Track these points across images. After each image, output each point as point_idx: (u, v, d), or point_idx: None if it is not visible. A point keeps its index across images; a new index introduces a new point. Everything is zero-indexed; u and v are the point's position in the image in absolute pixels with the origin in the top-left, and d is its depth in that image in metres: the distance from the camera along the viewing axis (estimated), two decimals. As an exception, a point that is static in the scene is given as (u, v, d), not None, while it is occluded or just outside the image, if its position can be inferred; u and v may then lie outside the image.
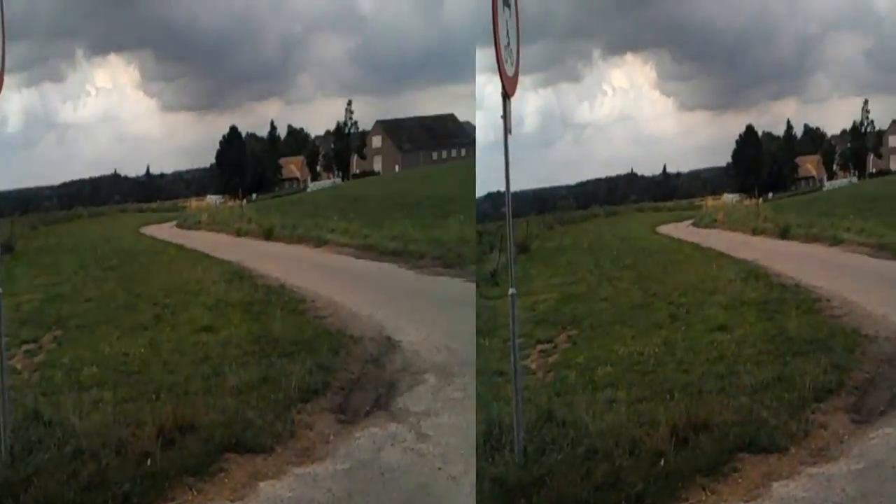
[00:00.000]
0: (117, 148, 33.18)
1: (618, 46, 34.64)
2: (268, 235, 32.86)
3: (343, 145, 35.62)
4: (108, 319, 23.37)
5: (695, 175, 35.95)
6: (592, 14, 33.66)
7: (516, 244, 30.43)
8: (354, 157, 35.85)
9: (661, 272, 29.16)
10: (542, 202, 34.33)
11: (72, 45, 32.25)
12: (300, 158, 36.02)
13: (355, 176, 35.84)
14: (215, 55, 33.06)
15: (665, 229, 35.34)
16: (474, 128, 35.39)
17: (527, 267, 29.74)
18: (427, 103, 34.74)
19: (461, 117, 35.54)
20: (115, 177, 33.23)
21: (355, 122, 34.99)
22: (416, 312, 23.60)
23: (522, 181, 30.42)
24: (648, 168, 35.39)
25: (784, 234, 33.79)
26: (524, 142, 31.05)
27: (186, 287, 26.16)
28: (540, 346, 22.82)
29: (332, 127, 35.23)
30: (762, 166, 35.01)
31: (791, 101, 34.83)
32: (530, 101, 33.40)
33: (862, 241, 31.83)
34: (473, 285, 25.10)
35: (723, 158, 34.62)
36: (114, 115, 33.18)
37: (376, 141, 35.86)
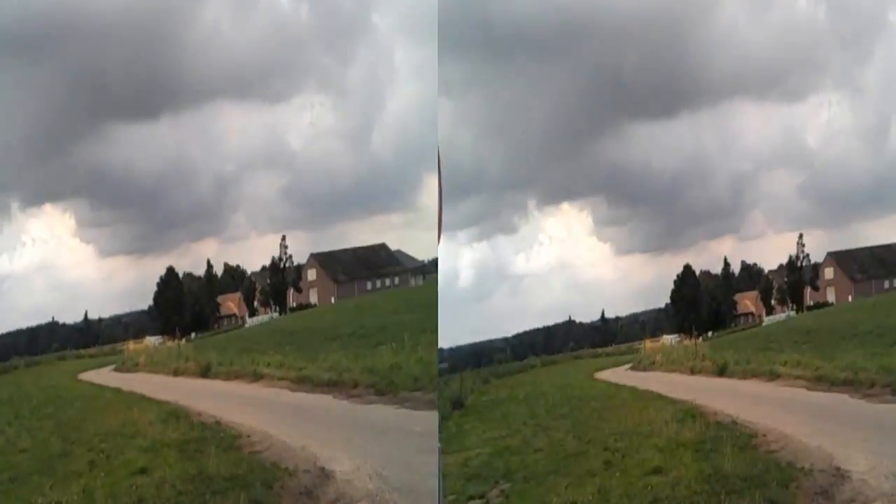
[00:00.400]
0: (54, 296, 33.46)
1: (553, 196, 35.46)
2: (205, 373, 33.05)
3: (279, 280, 36.04)
4: (42, 469, 23.25)
5: (633, 318, 36.53)
6: (526, 166, 34.38)
7: (450, 400, 30.95)
8: (291, 291, 36.23)
9: (598, 419, 29.28)
10: (478, 356, 34.49)
11: (6, 198, 32.67)
12: (237, 295, 36.39)
13: (292, 309, 36.20)
14: (151, 199, 33.57)
15: (603, 375, 35.59)
16: (406, 256, 36.10)
17: (461, 422, 30.01)
18: (359, 234, 35.31)
19: (392, 246, 36.08)
20: (53, 325, 33.43)
21: (290, 257, 35.49)
22: (349, 441, 23.75)
23: (458, 336, 30.89)
24: (587, 314, 35.96)
25: (722, 371, 34.26)
26: (459, 296, 31.57)
27: (122, 430, 26.15)
28: (472, 503, 22.92)
29: (267, 262, 35.64)
30: (701, 305, 35.65)
31: (728, 239, 35.74)
32: (465, 256, 34.11)
33: (798, 374, 32.39)
34: (404, 411, 25.38)
35: (661, 300, 35.26)
36: (50, 263, 33.53)
37: (311, 274, 36.28)
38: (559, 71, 34.00)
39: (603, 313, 36.03)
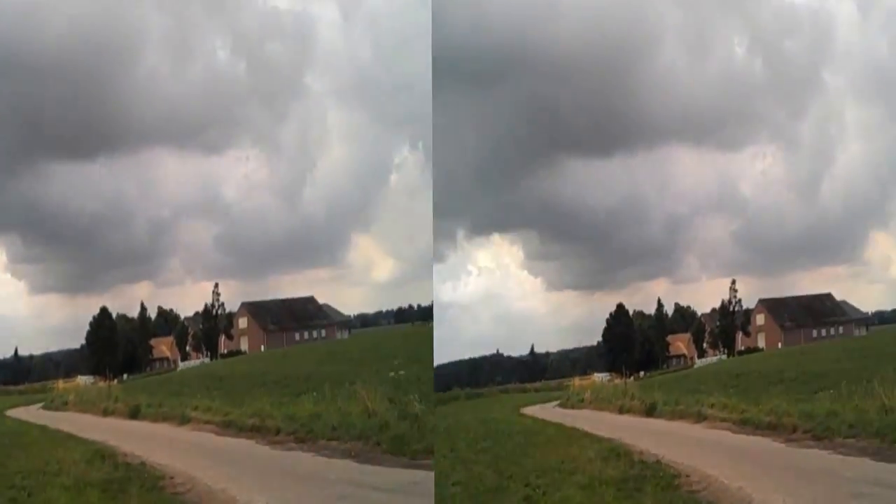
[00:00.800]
0: (-19, 331, 33.38)
1: (483, 227, 35.46)
2: (134, 414, 33.32)
3: (211, 326, 36.21)
4: (-45, 506, 23.37)
5: (564, 355, 36.38)
6: (456, 195, 34.41)
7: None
8: (222, 338, 36.41)
9: (520, 454, 29.25)
10: (398, 385, 34.39)
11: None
12: (170, 339, 36.54)
13: (223, 355, 36.37)
14: (85, 238, 33.68)
15: (530, 410, 35.61)
16: (333, 310, 36.40)
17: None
18: (289, 286, 35.57)
19: (320, 300, 36.36)
20: (-21, 361, 33.43)
21: (222, 304, 35.66)
22: (268, 485, 24.08)
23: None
24: (516, 348, 35.77)
25: (650, 411, 34.61)
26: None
27: (46, 468, 26.31)
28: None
29: (200, 308, 35.79)
30: (633, 345, 35.78)
31: (662, 281, 35.86)
32: (389, 283, 34.18)
33: (724, 417, 33.05)
34: (322, 458, 25.75)
35: (593, 338, 35.26)
36: (-22, 298, 33.49)
37: (242, 322, 36.53)
38: (493, 101, 34.17)
39: (532, 348, 36.01)
